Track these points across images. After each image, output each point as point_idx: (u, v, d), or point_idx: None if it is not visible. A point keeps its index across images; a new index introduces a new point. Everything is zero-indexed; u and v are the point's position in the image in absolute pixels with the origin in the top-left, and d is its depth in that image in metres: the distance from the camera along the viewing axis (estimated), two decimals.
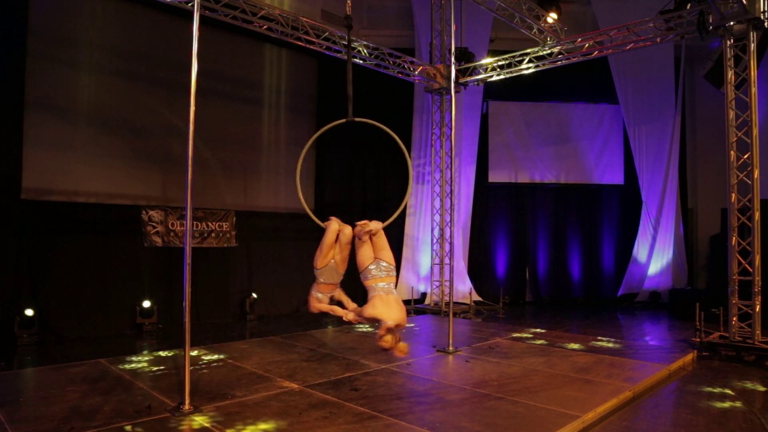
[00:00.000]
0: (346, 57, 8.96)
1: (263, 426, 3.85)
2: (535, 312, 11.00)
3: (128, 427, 3.77)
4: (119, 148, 8.18)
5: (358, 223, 4.36)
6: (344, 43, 8.93)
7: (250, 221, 9.53)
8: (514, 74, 9.91)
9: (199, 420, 3.95)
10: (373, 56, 9.45)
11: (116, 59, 8.19)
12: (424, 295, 11.17)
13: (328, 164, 10.73)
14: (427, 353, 6.38)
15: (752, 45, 6.86)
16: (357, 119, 4.62)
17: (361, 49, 9.24)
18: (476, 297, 11.26)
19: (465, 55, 10.36)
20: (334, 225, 4.53)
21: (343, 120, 4.79)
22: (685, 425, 4.18)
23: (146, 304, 8.07)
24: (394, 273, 4.22)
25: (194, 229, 8.68)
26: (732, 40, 7.06)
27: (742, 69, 7.00)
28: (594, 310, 11.03)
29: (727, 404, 4.69)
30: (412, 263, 11.28)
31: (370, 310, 4.15)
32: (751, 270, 6.83)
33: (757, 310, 6.73)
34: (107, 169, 8.06)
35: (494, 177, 12.01)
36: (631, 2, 10.27)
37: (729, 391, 5.09)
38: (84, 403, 4.28)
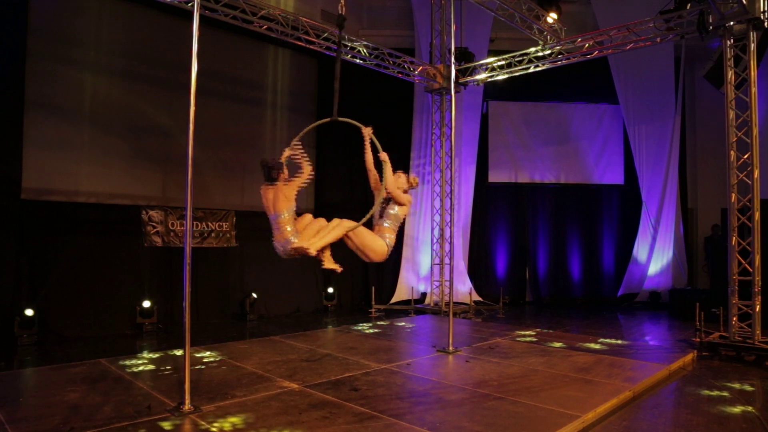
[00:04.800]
0: (346, 57, 9.00)
1: (263, 426, 3.85)
2: (535, 312, 11.00)
3: (128, 427, 3.77)
4: (119, 148, 8.18)
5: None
6: (344, 43, 8.93)
7: (250, 221, 9.53)
8: (514, 74, 9.90)
9: (199, 420, 3.95)
10: (373, 56, 9.45)
11: (116, 59, 8.19)
12: (424, 295, 11.17)
13: (329, 164, 10.73)
14: (427, 353, 6.38)
15: (752, 45, 6.86)
16: (340, 119, 4.93)
17: (361, 49, 9.24)
18: (476, 297, 11.25)
19: (465, 55, 10.35)
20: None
21: (327, 119, 5.06)
22: (685, 425, 4.18)
23: (146, 304, 8.07)
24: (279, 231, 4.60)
25: (194, 229, 8.68)
26: (732, 40, 7.06)
27: (742, 69, 7.00)
28: (594, 310, 11.03)
29: (727, 404, 4.69)
30: (412, 263, 11.28)
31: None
32: (751, 270, 6.83)
33: (757, 310, 6.73)
34: (107, 169, 8.06)
35: (494, 177, 12.01)
36: (631, 2, 10.26)
37: (729, 391, 5.09)
38: (84, 403, 4.29)
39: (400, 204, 4.90)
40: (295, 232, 4.55)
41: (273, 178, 4.57)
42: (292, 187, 4.59)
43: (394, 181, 4.84)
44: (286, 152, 4.77)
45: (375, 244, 4.75)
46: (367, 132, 4.94)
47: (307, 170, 4.69)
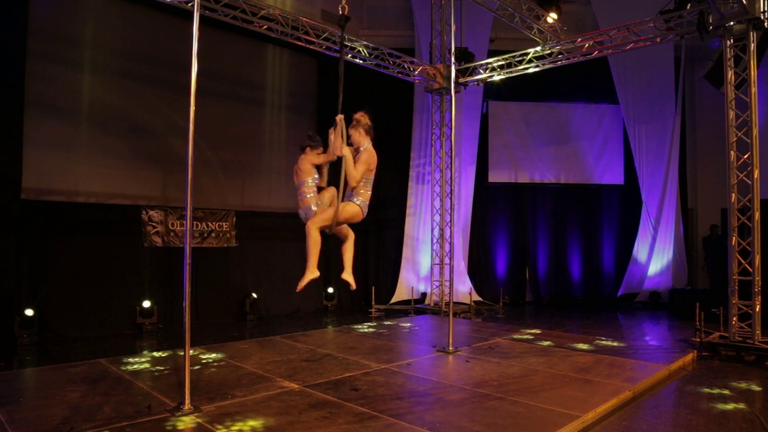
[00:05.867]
0: (346, 57, 9.00)
1: (263, 426, 3.85)
2: (535, 312, 11.00)
3: (128, 427, 3.77)
4: (119, 148, 8.18)
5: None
6: (344, 43, 8.92)
7: (250, 221, 9.53)
8: (514, 74, 9.90)
9: (199, 420, 3.95)
10: (373, 56, 9.45)
11: (116, 59, 8.19)
12: (424, 295, 11.17)
13: (328, 164, 10.71)
14: (427, 353, 6.38)
15: (752, 45, 6.86)
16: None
17: (361, 49, 9.24)
18: (476, 297, 11.25)
19: (465, 55, 10.35)
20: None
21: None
22: (685, 425, 4.18)
23: (146, 304, 8.07)
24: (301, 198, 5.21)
25: (194, 229, 8.69)
26: (732, 40, 7.06)
27: (742, 69, 7.00)
28: (594, 310, 11.03)
29: (727, 404, 4.69)
30: (412, 263, 11.27)
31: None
32: (751, 270, 6.83)
33: (757, 310, 6.73)
34: (107, 169, 8.05)
35: (494, 177, 12.01)
36: (631, 2, 10.26)
37: (729, 391, 5.09)
38: (84, 403, 4.28)
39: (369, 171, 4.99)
40: (317, 200, 5.11)
41: (301, 147, 5.25)
42: (306, 161, 5.18)
43: (355, 173, 4.86)
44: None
45: (349, 213, 4.93)
46: (340, 119, 4.95)
47: (327, 153, 5.17)
